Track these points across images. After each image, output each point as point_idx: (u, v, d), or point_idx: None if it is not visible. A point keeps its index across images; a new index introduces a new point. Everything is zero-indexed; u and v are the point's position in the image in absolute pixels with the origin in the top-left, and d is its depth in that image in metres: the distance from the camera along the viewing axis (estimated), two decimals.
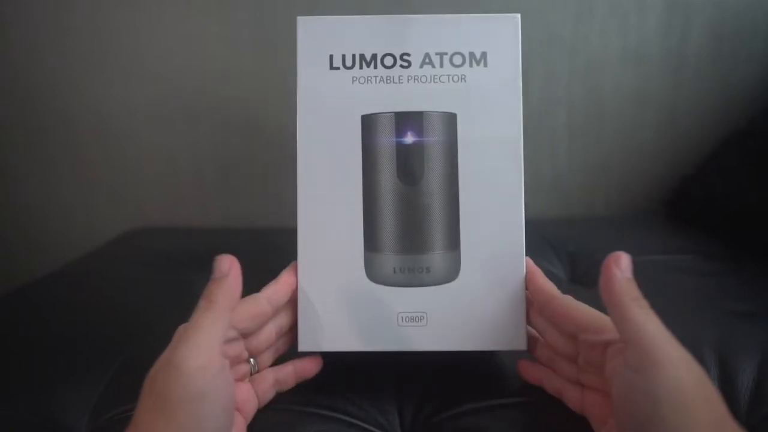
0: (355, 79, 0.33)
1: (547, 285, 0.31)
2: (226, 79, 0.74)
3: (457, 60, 0.33)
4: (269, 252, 0.50)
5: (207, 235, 0.69)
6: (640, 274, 0.50)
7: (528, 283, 0.32)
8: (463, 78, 0.33)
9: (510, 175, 0.33)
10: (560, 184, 0.81)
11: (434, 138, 0.33)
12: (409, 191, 0.33)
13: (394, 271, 0.33)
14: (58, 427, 0.31)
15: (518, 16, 0.33)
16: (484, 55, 0.33)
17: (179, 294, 0.49)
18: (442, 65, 0.33)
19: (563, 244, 0.61)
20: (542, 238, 0.64)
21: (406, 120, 0.33)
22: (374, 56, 0.33)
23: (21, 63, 0.75)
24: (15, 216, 0.81)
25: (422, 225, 0.33)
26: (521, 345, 0.32)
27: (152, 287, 0.50)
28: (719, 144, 0.73)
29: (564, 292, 0.30)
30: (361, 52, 0.33)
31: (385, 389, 0.34)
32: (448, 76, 0.33)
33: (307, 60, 0.34)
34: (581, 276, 0.54)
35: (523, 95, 0.33)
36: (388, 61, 0.33)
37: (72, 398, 0.33)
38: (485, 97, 0.33)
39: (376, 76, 0.33)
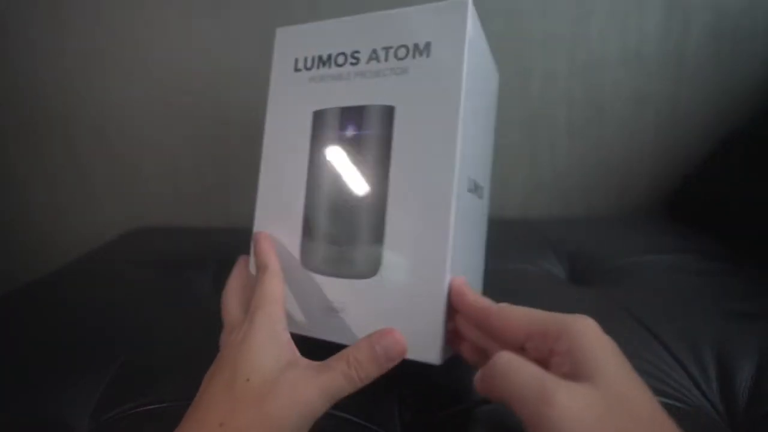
0: (312, 78, 0.35)
1: (479, 301, 0.28)
2: (226, 79, 0.74)
3: (401, 53, 0.32)
4: None
5: (207, 235, 0.69)
6: (640, 274, 0.51)
7: (459, 304, 0.29)
8: (404, 70, 0.32)
9: (441, 176, 0.30)
10: (560, 184, 0.81)
11: (368, 132, 0.32)
12: (341, 184, 0.33)
13: (322, 260, 0.33)
14: (58, 427, 0.31)
15: (468, 1, 0.31)
16: (428, 46, 0.31)
17: (179, 294, 0.49)
18: (386, 59, 0.32)
19: (563, 244, 0.62)
20: (542, 238, 0.64)
21: (339, 115, 0.34)
22: (329, 56, 0.34)
23: (22, 63, 0.75)
24: (15, 216, 0.81)
25: (347, 217, 0.33)
26: (435, 359, 0.29)
27: (152, 287, 0.50)
28: (719, 144, 0.73)
29: (564, 291, 0.30)
30: (320, 54, 0.35)
31: (386, 387, 0.34)
32: (391, 69, 0.32)
33: (277, 65, 0.37)
34: (581, 276, 0.54)
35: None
36: (340, 59, 0.34)
37: (72, 398, 0.33)
38: (425, 90, 0.31)
39: (329, 75, 0.34)
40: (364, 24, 0.33)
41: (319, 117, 0.34)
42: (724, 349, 0.36)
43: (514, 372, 0.22)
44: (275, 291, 0.30)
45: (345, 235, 0.33)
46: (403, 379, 0.35)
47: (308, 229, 0.34)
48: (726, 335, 0.38)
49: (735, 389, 0.33)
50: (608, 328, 0.30)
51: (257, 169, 0.37)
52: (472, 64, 0.31)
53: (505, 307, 0.27)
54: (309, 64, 0.35)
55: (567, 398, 0.20)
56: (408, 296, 0.30)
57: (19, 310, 0.46)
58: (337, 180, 0.33)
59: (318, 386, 0.25)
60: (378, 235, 0.31)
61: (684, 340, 0.37)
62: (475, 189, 0.35)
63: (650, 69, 0.76)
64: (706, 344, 0.37)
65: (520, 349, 0.25)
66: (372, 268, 0.31)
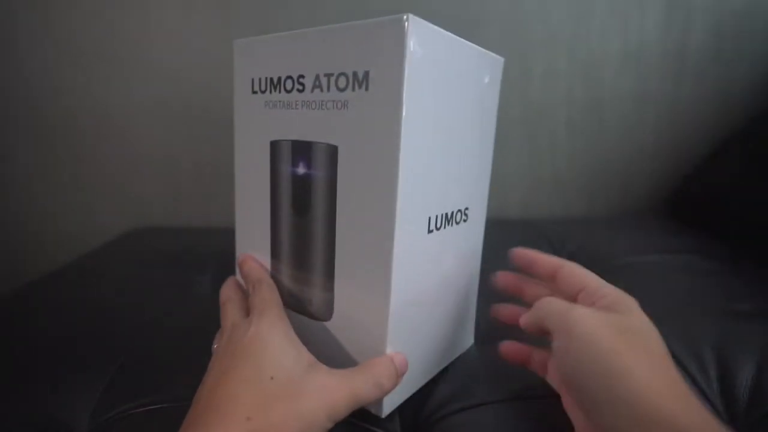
0: (266, 103, 0.32)
1: (550, 257, 0.34)
2: (227, 80, 0.74)
3: (342, 82, 0.27)
4: None
5: (207, 235, 0.69)
6: (640, 273, 0.51)
7: (533, 264, 0.34)
8: (345, 105, 0.27)
9: (382, 226, 0.27)
10: (560, 184, 0.81)
11: (315, 172, 0.30)
12: (297, 222, 0.32)
13: (286, 294, 0.33)
14: (59, 427, 0.31)
15: (406, 17, 0.24)
16: (366, 75, 0.26)
17: (179, 294, 0.49)
18: (328, 89, 0.28)
19: (563, 244, 0.62)
20: (542, 238, 0.64)
21: (290, 149, 0.31)
22: (279, 79, 0.31)
23: (23, 63, 0.75)
24: (16, 216, 0.81)
25: (303, 260, 0.32)
26: (379, 411, 0.30)
27: (152, 287, 0.50)
28: (719, 144, 0.73)
29: None
30: (270, 76, 0.31)
31: None
32: (333, 102, 0.28)
33: (238, 85, 0.34)
34: None
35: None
36: (288, 84, 0.30)
37: (72, 398, 0.33)
38: (365, 129, 0.27)
39: (280, 101, 0.31)
40: (308, 43, 0.29)
41: (274, 148, 0.32)
42: (724, 349, 0.36)
43: (549, 303, 0.29)
44: (276, 298, 0.31)
45: (302, 277, 0.32)
46: None
47: (274, 263, 0.34)
48: (726, 335, 0.38)
49: (735, 390, 0.33)
50: None
51: None
52: (425, 89, 0.26)
53: (572, 264, 0.32)
54: (263, 87, 0.32)
55: (586, 311, 0.26)
56: (356, 346, 0.30)
57: (20, 310, 0.46)
58: (292, 221, 0.32)
59: (348, 390, 0.26)
60: (329, 282, 0.30)
61: (684, 340, 0.37)
62: (448, 220, 0.32)
63: (651, 68, 0.76)
64: (706, 344, 0.37)
65: (573, 300, 0.30)
66: (327, 313, 0.31)
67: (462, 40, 0.29)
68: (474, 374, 0.35)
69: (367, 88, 0.26)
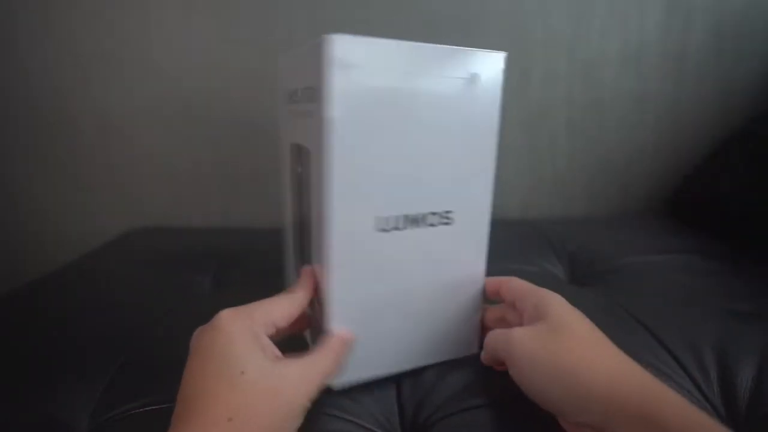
0: (290, 111, 0.37)
1: (495, 278, 0.37)
2: (226, 80, 0.74)
3: (310, 95, 0.31)
4: (269, 252, 0.50)
5: (207, 235, 0.69)
6: (640, 274, 0.51)
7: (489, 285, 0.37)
8: (311, 114, 0.31)
9: (324, 220, 0.30)
10: (560, 184, 0.81)
11: (302, 170, 0.34)
12: (297, 210, 0.38)
13: None
14: (59, 427, 0.31)
15: (326, 39, 0.27)
16: (318, 90, 0.29)
17: (179, 294, 0.49)
18: (306, 101, 0.32)
19: (563, 244, 0.62)
20: (542, 238, 0.64)
21: (296, 151, 0.36)
22: (294, 91, 0.35)
23: (23, 63, 0.75)
24: (16, 216, 0.81)
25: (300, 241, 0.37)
26: (331, 384, 0.33)
27: (152, 287, 0.50)
28: (719, 144, 0.73)
29: (564, 291, 0.32)
30: (289, 87, 0.37)
31: (387, 388, 0.34)
32: (309, 111, 0.31)
33: (279, 94, 0.40)
34: (581, 276, 0.54)
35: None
36: (296, 95, 0.35)
37: (72, 398, 0.33)
38: (316, 136, 0.30)
39: (293, 110, 0.36)
40: (302, 58, 0.33)
41: (291, 150, 0.38)
42: (724, 349, 0.36)
43: (492, 337, 0.32)
44: (276, 308, 0.31)
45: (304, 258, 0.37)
46: (404, 379, 0.35)
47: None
48: (727, 336, 0.38)
49: (736, 391, 0.33)
50: (608, 328, 0.30)
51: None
52: (365, 99, 0.28)
53: (509, 279, 0.36)
54: (287, 96, 0.37)
55: (520, 333, 0.30)
56: (320, 331, 0.33)
57: (20, 310, 0.46)
58: (295, 209, 0.38)
59: (321, 374, 0.28)
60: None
61: (684, 340, 0.37)
62: (413, 221, 0.32)
63: (651, 68, 0.76)
64: (706, 345, 0.37)
65: (513, 307, 0.34)
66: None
67: (417, 44, 0.29)
68: (475, 376, 0.35)
69: (314, 101, 0.30)
